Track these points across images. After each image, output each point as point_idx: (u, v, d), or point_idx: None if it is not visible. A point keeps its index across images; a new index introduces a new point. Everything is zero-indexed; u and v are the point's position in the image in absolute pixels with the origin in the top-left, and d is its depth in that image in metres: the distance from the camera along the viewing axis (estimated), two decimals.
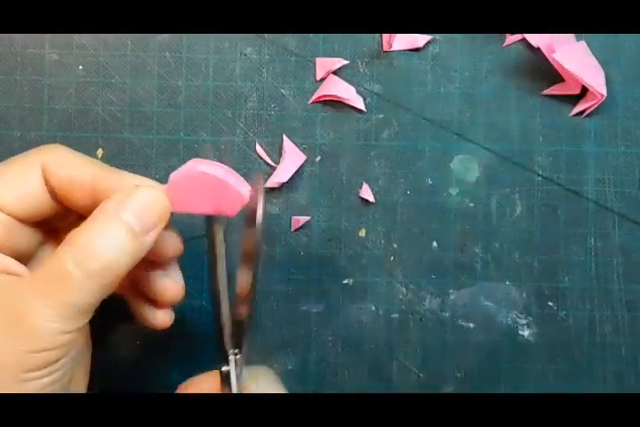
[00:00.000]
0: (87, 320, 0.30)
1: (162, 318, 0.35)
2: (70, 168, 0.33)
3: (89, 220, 0.31)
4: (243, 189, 0.32)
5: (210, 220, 0.32)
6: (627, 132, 0.43)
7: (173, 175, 0.32)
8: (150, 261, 0.34)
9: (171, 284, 0.35)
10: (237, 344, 0.32)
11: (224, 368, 0.32)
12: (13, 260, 0.33)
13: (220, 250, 0.32)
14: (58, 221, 0.35)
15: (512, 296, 0.43)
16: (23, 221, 0.33)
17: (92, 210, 0.31)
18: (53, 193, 0.33)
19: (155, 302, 0.35)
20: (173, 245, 0.34)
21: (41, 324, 0.29)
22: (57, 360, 0.30)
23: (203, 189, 0.32)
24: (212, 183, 0.32)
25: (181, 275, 0.35)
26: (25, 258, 0.34)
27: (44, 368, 0.29)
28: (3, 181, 0.33)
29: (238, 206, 0.33)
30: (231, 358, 0.32)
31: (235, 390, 0.32)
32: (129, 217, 0.30)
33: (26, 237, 0.34)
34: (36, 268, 0.31)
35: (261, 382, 0.35)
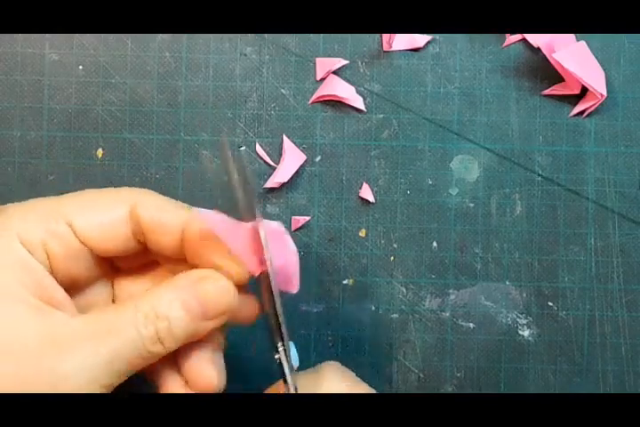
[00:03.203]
0: (119, 382, 0.30)
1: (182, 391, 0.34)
2: (161, 211, 0.33)
3: (166, 288, 0.31)
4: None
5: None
6: (627, 132, 0.43)
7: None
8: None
9: (209, 371, 0.33)
10: (281, 337, 0.34)
11: (276, 356, 0.34)
12: (69, 298, 0.32)
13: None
14: (123, 261, 0.35)
15: (512, 296, 0.43)
16: (95, 253, 0.33)
17: (178, 252, 0.32)
18: (137, 233, 0.33)
19: (187, 384, 0.34)
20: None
21: (72, 369, 0.29)
22: None
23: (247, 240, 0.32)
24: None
25: (223, 366, 0.34)
26: (75, 289, 0.34)
27: None
28: (89, 213, 0.32)
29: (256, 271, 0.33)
30: (280, 349, 0.33)
31: (289, 378, 0.33)
32: (193, 303, 0.31)
33: (89, 270, 0.34)
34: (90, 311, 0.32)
35: (329, 380, 0.36)
